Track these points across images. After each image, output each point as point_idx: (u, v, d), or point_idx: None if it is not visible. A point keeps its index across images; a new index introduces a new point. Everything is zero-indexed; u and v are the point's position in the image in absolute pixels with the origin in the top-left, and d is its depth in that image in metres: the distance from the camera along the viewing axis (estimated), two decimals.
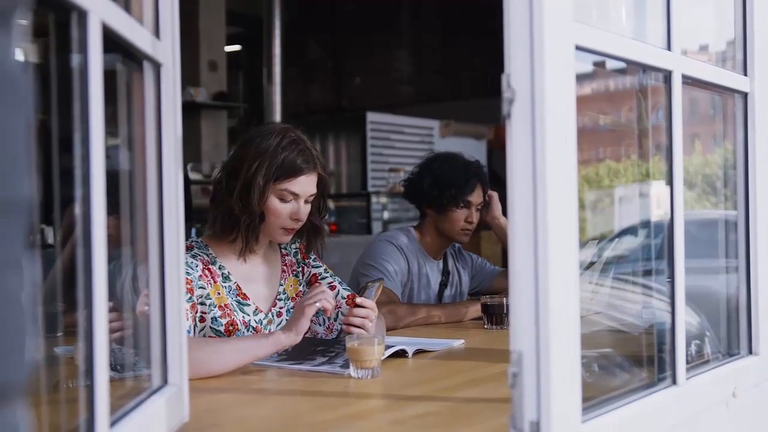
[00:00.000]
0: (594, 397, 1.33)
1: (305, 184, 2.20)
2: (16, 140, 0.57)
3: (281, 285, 2.34)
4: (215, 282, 2.19)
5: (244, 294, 2.24)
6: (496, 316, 2.64)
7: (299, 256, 2.42)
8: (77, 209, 1.01)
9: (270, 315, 2.28)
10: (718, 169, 2.10)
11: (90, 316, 1.01)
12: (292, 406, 1.68)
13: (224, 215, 2.20)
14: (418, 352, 2.18)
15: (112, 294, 1.08)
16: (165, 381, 1.37)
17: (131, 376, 1.46)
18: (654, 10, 1.61)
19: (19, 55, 0.60)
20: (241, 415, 1.62)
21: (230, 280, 2.22)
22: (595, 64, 1.47)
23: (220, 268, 2.22)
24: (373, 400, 1.73)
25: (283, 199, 2.19)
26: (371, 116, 8.05)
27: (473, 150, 6.23)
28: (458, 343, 2.35)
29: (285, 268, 2.38)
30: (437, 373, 2.01)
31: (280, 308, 2.32)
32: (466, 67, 8.89)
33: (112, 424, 1.09)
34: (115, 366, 1.33)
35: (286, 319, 2.28)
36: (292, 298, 2.35)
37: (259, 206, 2.17)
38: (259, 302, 2.26)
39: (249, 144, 2.20)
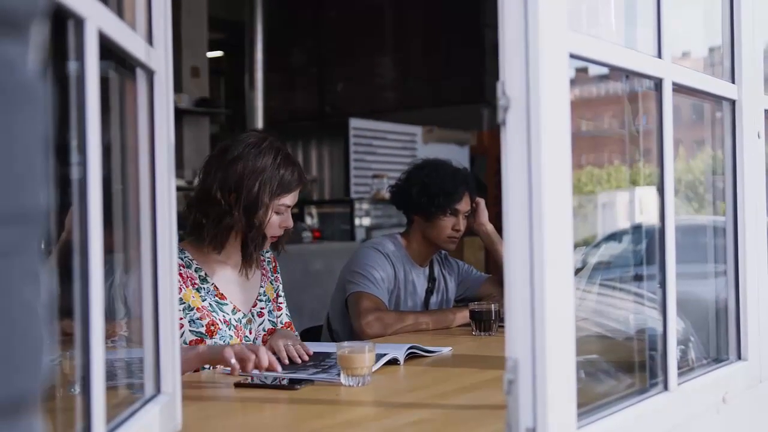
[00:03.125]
0: (588, 403, 1.33)
1: (296, 196, 2.33)
2: (34, 149, 0.57)
3: (262, 287, 2.42)
4: (188, 287, 2.24)
5: (222, 294, 2.30)
6: (485, 322, 2.64)
7: (271, 267, 2.51)
8: (74, 217, 1.00)
9: (250, 315, 2.35)
10: (701, 175, 2.11)
11: (86, 326, 1.00)
12: (284, 415, 1.67)
13: (224, 231, 2.25)
14: (410, 357, 2.18)
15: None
16: (158, 390, 1.36)
17: (121, 384, 1.45)
18: (643, 17, 1.62)
19: (35, 65, 0.59)
20: (233, 423, 1.62)
21: (208, 282, 2.28)
22: (578, 69, 1.48)
23: (196, 271, 2.28)
24: (366, 407, 1.73)
25: (278, 213, 2.29)
26: (354, 122, 8.04)
27: (456, 156, 6.22)
28: (447, 350, 2.35)
29: (264, 271, 2.46)
30: (428, 380, 2.01)
31: (261, 308, 2.40)
32: (449, 74, 8.92)
33: None
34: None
35: (269, 320, 2.40)
36: (272, 300, 2.44)
37: (266, 224, 2.26)
38: (237, 302, 2.32)
39: (240, 161, 2.24)
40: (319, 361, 2.13)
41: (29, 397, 0.57)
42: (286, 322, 2.45)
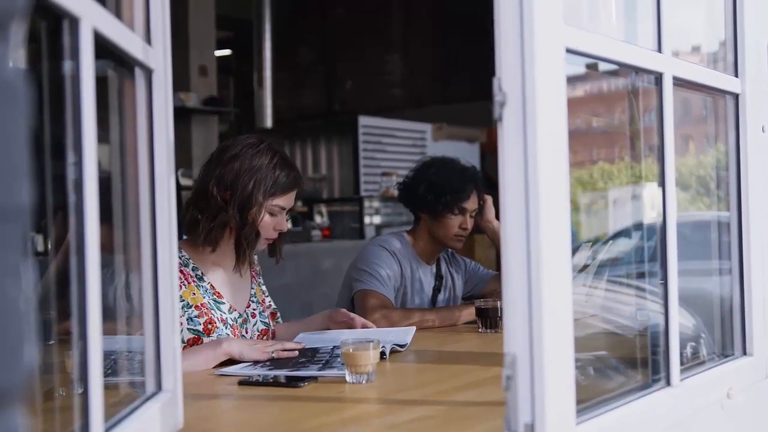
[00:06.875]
0: (588, 399, 1.33)
1: (292, 199, 2.36)
2: (16, 147, 0.58)
3: (252, 288, 2.47)
4: (189, 284, 2.27)
5: (219, 293, 2.33)
6: (490, 319, 2.64)
7: (258, 270, 2.54)
8: (71, 217, 1.01)
9: (245, 315, 2.39)
10: (711, 170, 2.10)
11: (84, 324, 1.01)
12: (287, 412, 1.67)
13: (219, 228, 2.28)
14: (399, 353, 2.23)
15: (105, 302, 1.08)
16: (159, 387, 1.37)
17: (123, 381, 1.46)
18: (644, 11, 1.62)
19: (17, 63, 0.60)
20: (235, 421, 1.62)
21: (204, 281, 2.31)
22: (588, 66, 1.48)
23: (193, 270, 2.31)
24: (369, 404, 1.73)
25: (272, 214, 2.32)
26: (363, 120, 8.04)
27: (466, 153, 6.23)
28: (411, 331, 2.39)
29: (254, 274, 2.51)
30: (432, 377, 2.00)
31: (254, 310, 2.44)
32: (458, 70, 8.90)
33: (107, 430, 1.08)
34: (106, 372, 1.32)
35: (261, 321, 2.43)
36: (261, 302, 2.48)
37: (259, 222, 2.28)
38: (231, 302, 2.36)
39: (238, 159, 2.28)
40: (311, 357, 2.12)
41: (10, 391, 0.58)
42: (262, 329, 2.44)
